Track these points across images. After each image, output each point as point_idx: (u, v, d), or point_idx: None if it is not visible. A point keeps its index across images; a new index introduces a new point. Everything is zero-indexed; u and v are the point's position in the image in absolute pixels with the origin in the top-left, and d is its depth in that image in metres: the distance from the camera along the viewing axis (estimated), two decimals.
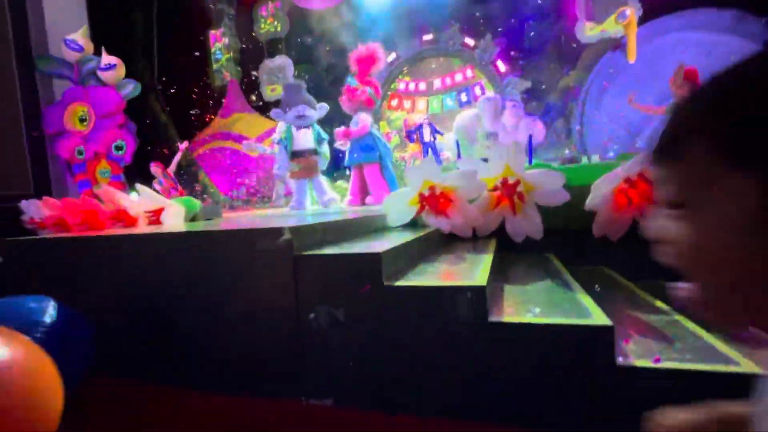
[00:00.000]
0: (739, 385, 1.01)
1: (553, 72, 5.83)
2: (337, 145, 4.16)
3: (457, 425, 1.21)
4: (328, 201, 3.53)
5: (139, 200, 2.73)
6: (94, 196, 3.01)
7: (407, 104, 6.39)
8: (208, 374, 1.60)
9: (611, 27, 5.27)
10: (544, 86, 5.84)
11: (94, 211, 2.78)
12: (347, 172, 5.59)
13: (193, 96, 6.59)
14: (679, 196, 0.33)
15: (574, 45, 5.61)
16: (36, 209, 3.02)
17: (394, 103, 6.41)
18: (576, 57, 5.77)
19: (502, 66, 6.00)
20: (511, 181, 2.14)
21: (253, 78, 6.55)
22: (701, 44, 4.82)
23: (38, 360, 1.05)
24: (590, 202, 2.05)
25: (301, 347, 1.41)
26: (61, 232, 2.73)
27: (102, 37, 5.26)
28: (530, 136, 3.49)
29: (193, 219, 2.81)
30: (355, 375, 1.33)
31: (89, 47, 5.07)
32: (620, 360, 1.09)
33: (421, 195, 2.15)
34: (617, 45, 5.33)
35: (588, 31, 5.44)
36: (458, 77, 6.27)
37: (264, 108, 6.36)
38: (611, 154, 5.03)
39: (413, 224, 2.22)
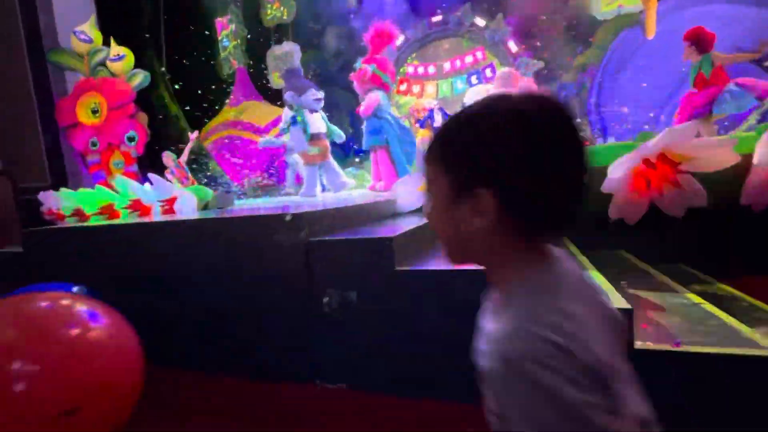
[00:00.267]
0: (764, 369, 0.99)
1: (566, 51, 5.63)
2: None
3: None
4: (342, 185, 3.50)
5: (152, 190, 2.77)
6: (109, 186, 3.06)
7: (416, 89, 6.28)
8: (222, 358, 1.63)
9: (629, 1, 5.03)
10: (557, 66, 5.66)
11: (110, 202, 2.83)
12: (356, 159, 5.57)
13: (202, 84, 6.58)
14: (428, 184, 0.53)
15: (589, 22, 5.40)
16: (54, 200, 3.10)
17: (403, 87, 6.30)
18: (590, 35, 5.56)
19: (513, 46, 5.82)
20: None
21: (262, 67, 6.50)
22: (723, 17, 4.59)
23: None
24: (607, 183, 1.98)
25: (314, 331, 1.42)
26: (79, 223, 2.78)
27: (110, 29, 5.27)
28: None
29: (205, 207, 2.83)
30: (368, 357, 1.34)
31: (98, 38, 5.09)
32: (638, 344, 1.07)
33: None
34: (635, 21, 5.10)
35: (604, 7, 5.21)
36: (468, 59, 6.10)
37: (274, 96, 6.32)
38: (628, 134, 4.88)
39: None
